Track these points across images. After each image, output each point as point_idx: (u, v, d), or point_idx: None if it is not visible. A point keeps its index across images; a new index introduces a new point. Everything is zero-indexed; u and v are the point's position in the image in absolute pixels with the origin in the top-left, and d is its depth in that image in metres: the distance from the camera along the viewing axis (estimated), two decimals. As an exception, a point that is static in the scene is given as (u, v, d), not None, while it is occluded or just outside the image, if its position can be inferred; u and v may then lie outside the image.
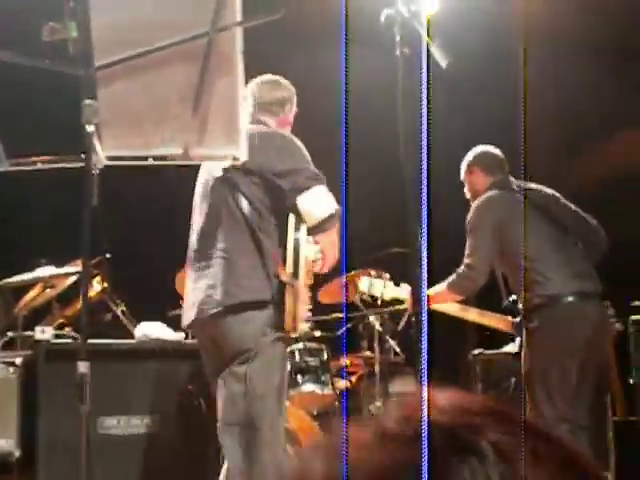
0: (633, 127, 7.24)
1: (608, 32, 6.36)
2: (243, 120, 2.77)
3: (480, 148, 4.45)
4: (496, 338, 4.32)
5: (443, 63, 3.26)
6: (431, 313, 3.52)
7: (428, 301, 3.69)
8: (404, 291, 4.17)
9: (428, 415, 0.62)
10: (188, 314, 3.50)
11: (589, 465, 0.63)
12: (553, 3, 6.36)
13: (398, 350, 5.53)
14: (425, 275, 3.18)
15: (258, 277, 3.39)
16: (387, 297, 4.32)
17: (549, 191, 4.37)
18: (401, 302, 4.39)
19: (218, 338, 3.42)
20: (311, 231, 3.44)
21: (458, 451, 0.59)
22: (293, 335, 3.53)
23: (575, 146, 7.65)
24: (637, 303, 5.07)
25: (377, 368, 5.25)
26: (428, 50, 3.19)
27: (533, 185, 4.36)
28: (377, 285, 4.30)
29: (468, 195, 4.44)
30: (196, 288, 3.47)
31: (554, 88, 6.37)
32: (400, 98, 3.51)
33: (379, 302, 4.44)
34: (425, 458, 0.57)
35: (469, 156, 4.45)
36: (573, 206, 4.36)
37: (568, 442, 0.64)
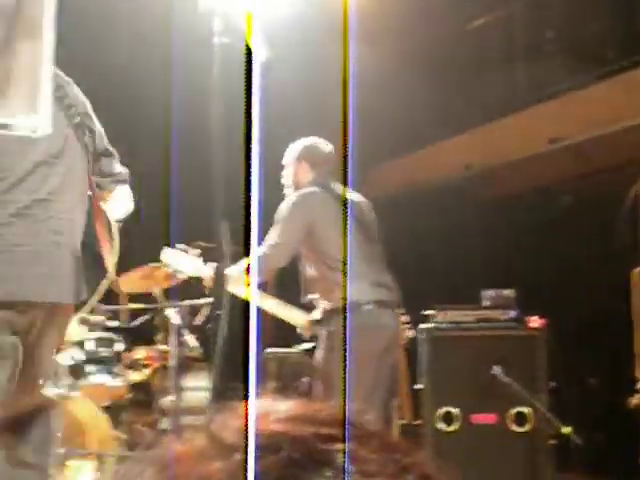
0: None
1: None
2: (48, 90, 2.61)
3: (312, 140, 4.42)
4: (290, 336, 4.34)
5: (262, 57, 3.24)
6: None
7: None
8: (208, 270, 4.06)
9: (263, 425, 0.56)
10: None
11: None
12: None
13: (194, 344, 5.46)
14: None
15: None
16: (189, 272, 4.21)
17: (362, 199, 4.45)
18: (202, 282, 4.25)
19: None
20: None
21: (313, 462, 0.53)
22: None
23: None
24: (427, 312, 5.27)
25: (171, 362, 5.14)
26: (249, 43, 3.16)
27: (349, 190, 4.40)
28: (181, 258, 4.18)
29: (287, 183, 4.42)
30: None
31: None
32: (216, 90, 3.46)
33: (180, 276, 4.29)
34: (255, 469, 0.52)
35: (299, 145, 4.41)
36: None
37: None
